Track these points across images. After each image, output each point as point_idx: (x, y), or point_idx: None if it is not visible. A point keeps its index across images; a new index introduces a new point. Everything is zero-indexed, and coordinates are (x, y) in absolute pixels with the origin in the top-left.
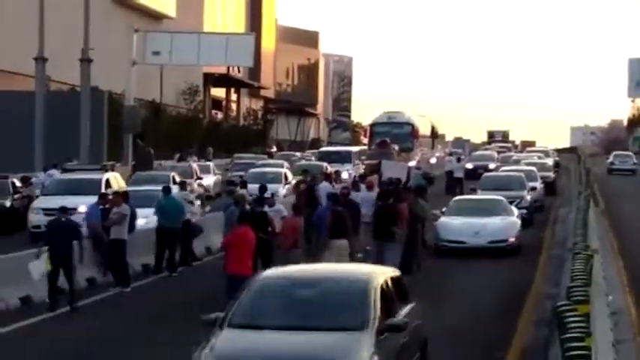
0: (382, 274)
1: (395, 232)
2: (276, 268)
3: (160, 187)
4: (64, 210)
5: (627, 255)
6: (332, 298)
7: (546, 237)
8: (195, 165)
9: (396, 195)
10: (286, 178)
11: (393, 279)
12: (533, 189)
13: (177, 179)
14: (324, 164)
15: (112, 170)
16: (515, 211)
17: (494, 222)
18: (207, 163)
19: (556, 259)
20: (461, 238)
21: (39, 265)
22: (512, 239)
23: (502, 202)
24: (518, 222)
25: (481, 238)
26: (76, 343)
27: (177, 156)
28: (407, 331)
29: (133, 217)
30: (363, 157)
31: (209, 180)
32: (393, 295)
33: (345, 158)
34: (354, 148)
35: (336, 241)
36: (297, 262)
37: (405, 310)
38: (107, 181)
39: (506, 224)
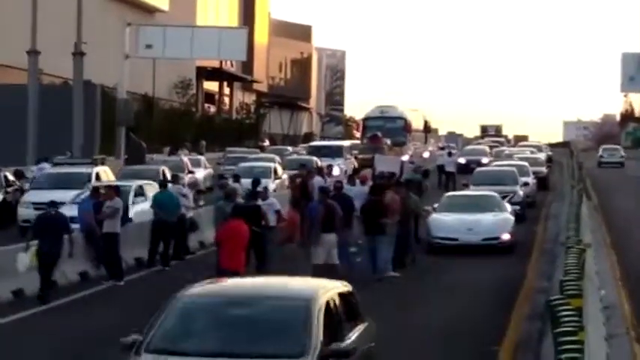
0: (328, 290)
1: (385, 224)
2: (205, 283)
3: (126, 183)
4: (53, 204)
5: (620, 249)
6: (267, 320)
7: (539, 232)
8: (186, 159)
9: (384, 188)
10: (276, 172)
11: (341, 295)
12: (526, 184)
13: (168, 174)
14: (314, 158)
15: (103, 164)
16: (509, 207)
17: (487, 218)
18: (198, 157)
19: (549, 254)
20: (453, 235)
21: (25, 258)
22: (506, 236)
23: (495, 198)
24: (512, 218)
25: (474, 234)
26: (68, 336)
27: (167, 149)
28: (356, 357)
29: (126, 210)
30: (355, 152)
31: (200, 174)
32: (341, 315)
33: (336, 153)
34: (345, 143)
35: (326, 235)
36: (293, 256)
37: (355, 331)
38: (97, 175)
39: (500, 220)
